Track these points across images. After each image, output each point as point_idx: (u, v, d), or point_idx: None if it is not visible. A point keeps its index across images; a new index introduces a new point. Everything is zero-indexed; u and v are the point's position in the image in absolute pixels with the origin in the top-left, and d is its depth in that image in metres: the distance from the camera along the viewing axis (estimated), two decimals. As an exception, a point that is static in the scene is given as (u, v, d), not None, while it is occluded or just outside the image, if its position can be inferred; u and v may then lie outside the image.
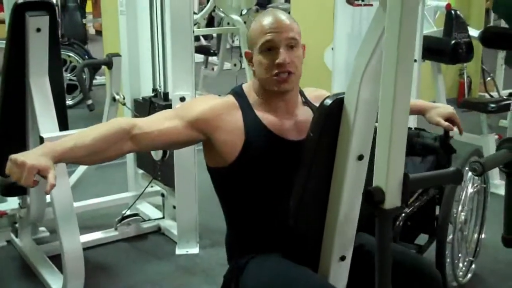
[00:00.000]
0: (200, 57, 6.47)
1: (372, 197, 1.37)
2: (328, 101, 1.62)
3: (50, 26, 2.49)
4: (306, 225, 1.72)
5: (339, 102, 1.60)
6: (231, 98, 1.82)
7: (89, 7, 8.77)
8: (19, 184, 1.51)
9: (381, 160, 1.38)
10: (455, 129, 2.31)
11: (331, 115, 1.61)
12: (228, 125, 1.75)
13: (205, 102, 1.79)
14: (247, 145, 1.74)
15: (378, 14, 1.45)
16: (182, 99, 2.98)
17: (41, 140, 2.51)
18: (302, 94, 1.89)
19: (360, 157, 1.60)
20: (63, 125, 2.70)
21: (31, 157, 1.52)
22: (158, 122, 1.74)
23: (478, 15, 6.25)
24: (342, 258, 1.70)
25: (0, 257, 3.21)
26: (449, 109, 2.29)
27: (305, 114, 1.81)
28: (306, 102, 1.87)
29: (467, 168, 2.62)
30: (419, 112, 2.32)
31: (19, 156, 1.52)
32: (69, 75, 5.94)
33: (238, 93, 1.83)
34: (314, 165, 1.65)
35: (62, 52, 6.00)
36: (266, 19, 1.76)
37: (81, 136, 1.66)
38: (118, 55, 3.14)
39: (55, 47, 2.62)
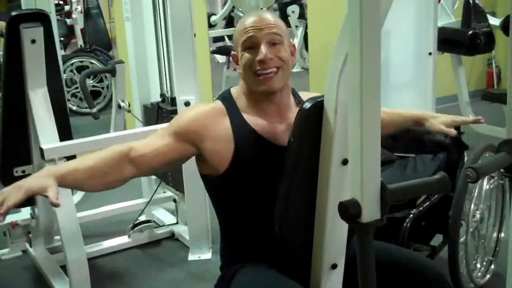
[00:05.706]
0: (224, 58, 6.46)
1: (346, 210, 1.25)
2: (307, 105, 1.55)
3: (45, 36, 2.48)
4: (293, 233, 1.65)
5: (318, 105, 1.53)
6: (218, 104, 1.75)
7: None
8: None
9: (355, 169, 1.27)
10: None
11: (311, 119, 1.53)
12: (216, 133, 1.68)
13: (190, 113, 1.74)
14: (237, 153, 1.68)
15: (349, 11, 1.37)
16: (187, 103, 2.94)
17: (41, 151, 2.51)
18: (295, 95, 1.82)
19: (345, 162, 1.53)
20: (66, 134, 2.69)
21: (29, 179, 1.55)
22: (152, 143, 1.70)
23: (504, 3, 6.03)
24: (334, 266, 1.63)
25: (15, 267, 3.24)
26: (450, 118, 2.18)
27: None
28: (300, 103, 1.79)
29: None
30: (417, 122, 2.19)
31: (17, 183, 1.52)
32: (91, 81, 5.99)
33: (226, 98, 1.76)
34: (296, 171, 1.58)
35: (85, 59, 6.09)
36: (249, 18, 1.71)
37: (82, 160, 1.72)
38: (121, 62, 3.12)
39: (53, 57, 2.61)
